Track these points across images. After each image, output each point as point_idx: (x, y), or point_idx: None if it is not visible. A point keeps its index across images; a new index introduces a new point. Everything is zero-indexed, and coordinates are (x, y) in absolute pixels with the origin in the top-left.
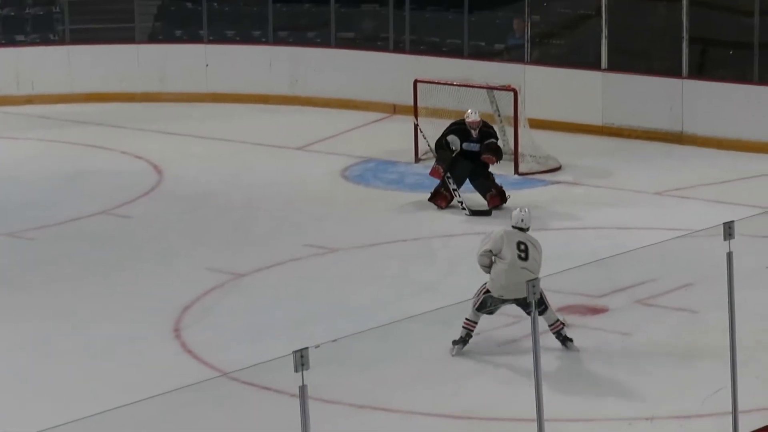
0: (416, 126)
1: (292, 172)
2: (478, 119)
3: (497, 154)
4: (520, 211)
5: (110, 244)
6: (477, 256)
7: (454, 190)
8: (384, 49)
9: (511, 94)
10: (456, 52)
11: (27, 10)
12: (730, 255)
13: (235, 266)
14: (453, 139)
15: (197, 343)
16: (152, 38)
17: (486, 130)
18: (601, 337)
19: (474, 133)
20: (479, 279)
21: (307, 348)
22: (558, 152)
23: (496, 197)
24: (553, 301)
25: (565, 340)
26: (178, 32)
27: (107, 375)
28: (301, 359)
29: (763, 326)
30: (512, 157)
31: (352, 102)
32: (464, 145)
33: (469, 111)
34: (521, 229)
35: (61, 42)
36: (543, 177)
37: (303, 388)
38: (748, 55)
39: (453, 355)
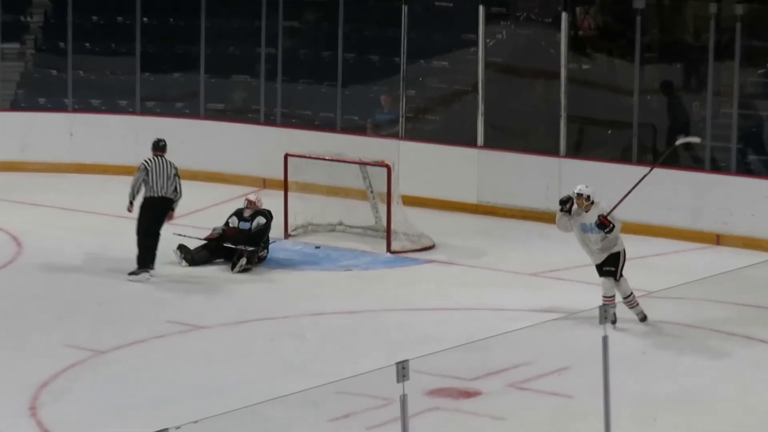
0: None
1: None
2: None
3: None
4: None
5: None
6: None
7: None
8: (254, 121)
9: (384, 170)
10: (329, 126)
11: None
12: (605, 339)
13: (96, 343)
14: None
15: (54, 422)
16: (14, 106)
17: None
18: (473, 421)
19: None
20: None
21: (167, 429)
22: (432, 230)
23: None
24: (425, 383)
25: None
26: (41, 100)
27: None
28: None
29: (639, 412)
30: (384, 234)
31: (220, 175)
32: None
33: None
34: None
35: None
36: (416, 256)
37: None
38: (627, 134)
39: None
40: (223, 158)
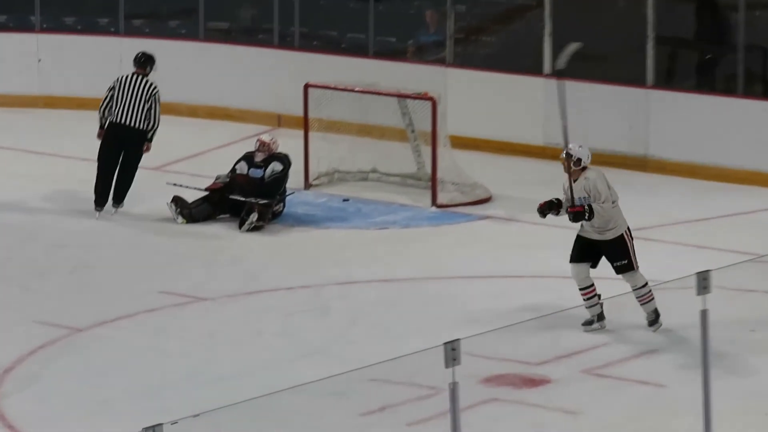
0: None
1: (147, 199)
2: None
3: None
4: None
5: None
6: None
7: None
8: (267, 44)
9: (428, 104)
10: (359, 50)
11: None
12: (704, 313)
13: (71, 318)
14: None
15: (20, 415)
16: None
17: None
18: (540, 416)
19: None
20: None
21: (161, 425)
22: (487, 179)
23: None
24: (480, 369)
25: None
26: (2, 18)
27: None
28: None
29: (746, 405)
30: (428, 184)
31: (225, 111)
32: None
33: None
34: None
35: None
36: (468, 210)
37: None
38: (731, 60)
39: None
40: (228, 90)
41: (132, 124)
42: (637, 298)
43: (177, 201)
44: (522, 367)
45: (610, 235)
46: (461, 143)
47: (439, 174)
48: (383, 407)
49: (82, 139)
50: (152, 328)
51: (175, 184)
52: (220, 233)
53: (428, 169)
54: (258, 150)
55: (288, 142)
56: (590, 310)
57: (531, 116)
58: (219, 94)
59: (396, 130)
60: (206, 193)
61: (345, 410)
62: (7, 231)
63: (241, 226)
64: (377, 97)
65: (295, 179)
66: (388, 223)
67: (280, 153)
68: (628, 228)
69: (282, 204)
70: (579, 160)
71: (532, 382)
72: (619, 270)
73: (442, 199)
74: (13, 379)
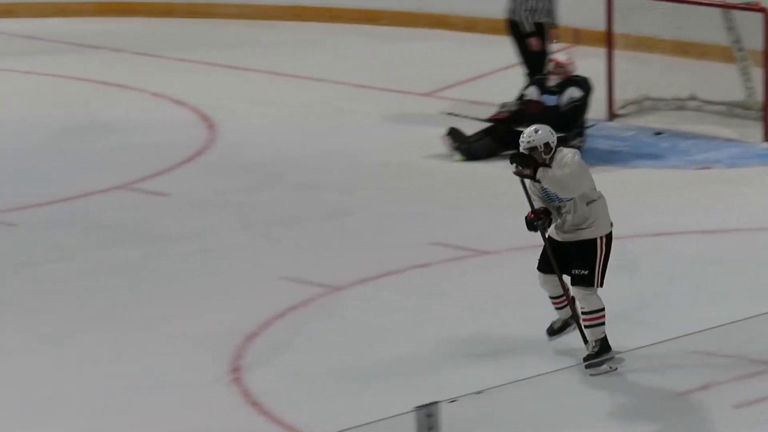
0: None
1: (416, 130)
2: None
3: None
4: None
5: (133, 236)
6: None
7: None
8: None
9: (760, 16)
10: None
11: None
12: None
13: (327, 275)
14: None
15: (267, 391)
16: None
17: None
18: None
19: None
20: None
21: (436, 403)
22: None
23: None
24: None
25: None
26: None
27: None
28: (427, 420)
29: None
30: (761, 114)
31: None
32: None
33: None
34: None
35: None
36: None
37: None
38: None
39: None
40: None
41: (511, 17)
42: (583, 320)
43: (453, 134)
44: None
45: (582, 236)
46: None
47: None
48: (706, 385)
49: (336, 58)
50: (424, 287)
51: (451, 114)
52: (506, 173)
53: (759, 96)
54: (552, 72)
55: (588, 63)
56: (560, 313)
57: None
58: (502, 4)
59: (720, 48)
60: (489, 124)
61: (658, 388)
62: (250, 170)
63: None
64: (697, 7)
65: (596, 108)
66: (710, 162)
67: (578, 76)
68: (609, 234)
69: (581, 138)
70: (547, 144)
71: None
72: (575, 280)
73: None
74: (258, 348)
